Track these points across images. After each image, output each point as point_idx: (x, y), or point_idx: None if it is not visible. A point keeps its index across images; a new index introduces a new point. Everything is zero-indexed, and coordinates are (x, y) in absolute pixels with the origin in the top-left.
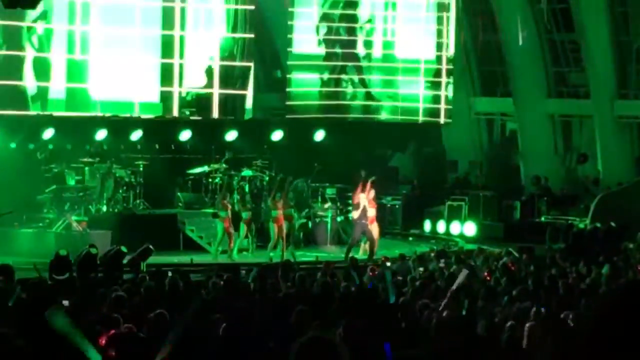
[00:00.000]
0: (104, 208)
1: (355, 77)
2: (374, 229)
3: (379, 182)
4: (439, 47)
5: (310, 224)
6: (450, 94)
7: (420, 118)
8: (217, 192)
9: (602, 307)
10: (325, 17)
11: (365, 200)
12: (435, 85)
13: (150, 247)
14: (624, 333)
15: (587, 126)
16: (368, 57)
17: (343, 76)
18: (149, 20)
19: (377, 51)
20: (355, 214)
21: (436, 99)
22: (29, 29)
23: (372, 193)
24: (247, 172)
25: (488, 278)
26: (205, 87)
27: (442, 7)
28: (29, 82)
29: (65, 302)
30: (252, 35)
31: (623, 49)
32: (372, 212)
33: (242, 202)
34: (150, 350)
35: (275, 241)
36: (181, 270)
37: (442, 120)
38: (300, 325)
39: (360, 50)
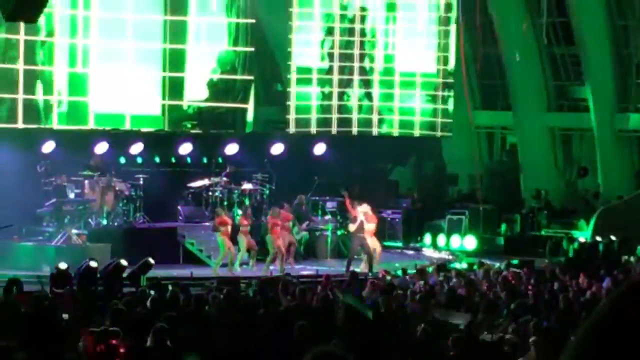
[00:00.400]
0: (104, 221)
1: (356, 91)
2: (373, 243)
3: (379, 196)
4: (439, 60)
5: (308, 237)
6: (451, 107)
7: (420, 131)
8: (217, 205)
9: (601, 309)
10: (326, 31)
11: (361, 214)
12: (436, 99)
13: (150, 260)
14: (624, 336)
15: (587, 140)
16: (370, 70)
17: (344, 89)
18: (151, 33)
19: (377, 65)
20: (351, 227)
21: (436, 113)
22: (30, 41)
23: (365, 206)
24: (247, 186)
25: (487, 291)
26: (207, 100)
27: (442, 21)
28: (29, 95)
29: (65, 316)
30: (252, 49)
31: (623, 63)
32: (371, 226)
33: (244, 216)
34: None
35: (273, 255)
36: (181, 283)
37: (442, 133)
38: (302, 340)
39: (361, 63)
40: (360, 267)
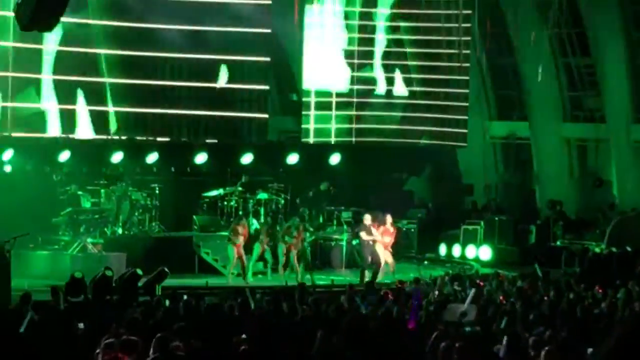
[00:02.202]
0: (120, 230)
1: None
2: (386, 255)
3: (394, 206)
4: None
5: (308, 250)
6: (466, 117)
7: (436, 142)
8: (233, 215)
9: (616, 338)
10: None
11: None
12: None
13: (166, 269)
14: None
15: (603, 150)
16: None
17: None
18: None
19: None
20: (363, 235)
21: (452, 123)
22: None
23: (389, 218)
24: (262, 195)
25: (503, 302)
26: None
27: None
28: (46, 105)
29: (81, 325)
30: (268, 59)
31: (639, 73)
32: (386, 239)
33: (266, 227)
34: None
35: (285, 264)
36: (196, 293)
37: (457, 144)
38: (322, 349)
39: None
40: (379, 277)
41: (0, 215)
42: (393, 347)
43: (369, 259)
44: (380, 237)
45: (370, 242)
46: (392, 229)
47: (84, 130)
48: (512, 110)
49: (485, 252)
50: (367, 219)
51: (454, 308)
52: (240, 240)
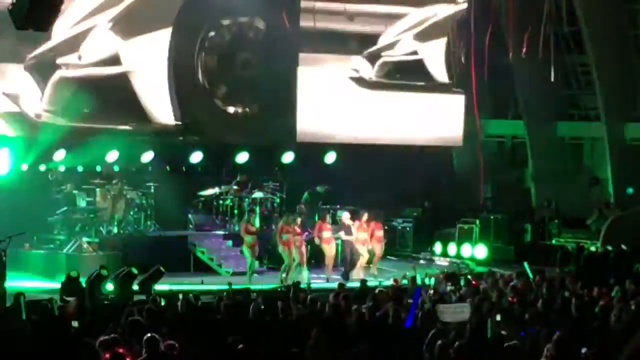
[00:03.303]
0: (115, 229)
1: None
2: (362, 249)
3: (389, 205)
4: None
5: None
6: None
7: (431, 140)
8: (228, 214)
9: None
10: None
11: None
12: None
13: (161, 268)
14: None
15: (598, 149)
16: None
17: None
18: None
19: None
20: (342, 235)
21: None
22: None
23: (365, 216)
24: (258, 194)
25: (497, 300)
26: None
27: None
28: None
29: (75, 324)
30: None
31: (634, 72)
32: (361, 235)
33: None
34: None
35: (288, 264)
36: (192, 292)
37: (452, 142)
38: (316, 348)
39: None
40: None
41: None
42: (388, 346)
43: (348, 257)
44: (355, 233)
45: (351, 241)
46: (365, 225)
47: None
48: (507, 109)
49: (480, 251)
50: (346, 217)
51: (442, 308)
52: (254, 238)
